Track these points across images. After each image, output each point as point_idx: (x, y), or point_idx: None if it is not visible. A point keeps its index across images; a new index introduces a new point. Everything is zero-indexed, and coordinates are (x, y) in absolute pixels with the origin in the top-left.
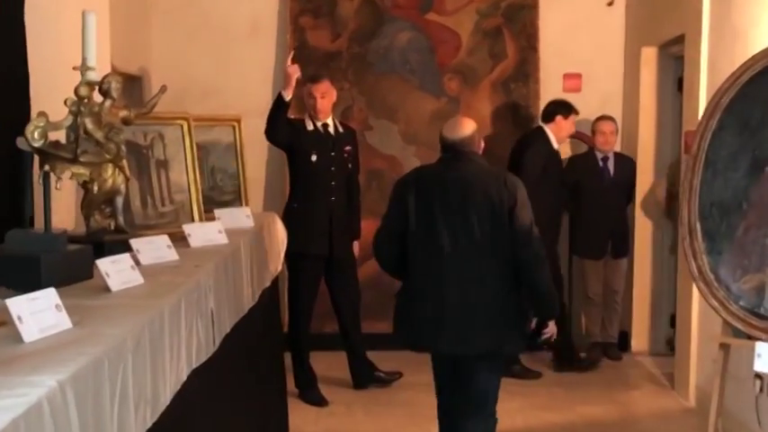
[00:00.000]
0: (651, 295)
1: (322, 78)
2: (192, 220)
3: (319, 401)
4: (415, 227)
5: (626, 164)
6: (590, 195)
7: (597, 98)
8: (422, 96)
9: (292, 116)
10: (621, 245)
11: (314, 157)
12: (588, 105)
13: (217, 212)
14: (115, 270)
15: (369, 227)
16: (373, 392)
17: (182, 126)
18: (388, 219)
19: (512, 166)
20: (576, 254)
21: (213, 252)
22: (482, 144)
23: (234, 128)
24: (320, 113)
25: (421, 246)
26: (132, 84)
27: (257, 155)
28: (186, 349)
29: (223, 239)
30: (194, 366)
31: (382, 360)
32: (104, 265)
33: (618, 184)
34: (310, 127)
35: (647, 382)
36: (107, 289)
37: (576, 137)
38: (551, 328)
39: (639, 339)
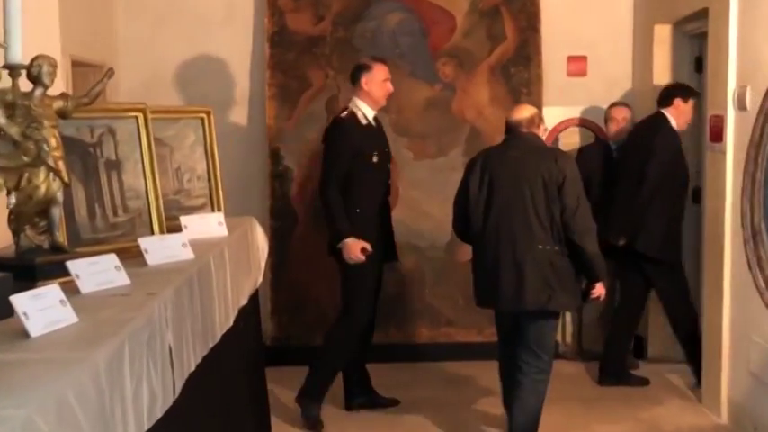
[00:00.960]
0: None
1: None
2: (152, 232)
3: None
4: (475, 200)
5: None
6: (603, 190)
7: (604, 83)
8: (414, 83)
9: (341, 114)
10: None
11: (375, 159)
12: (594, 91)
13: (183, 220)
14: (37, 308)
15: None
16: (368, 414)
17: (137, 119)
18: (456, 193)
19: (640, 153)
20: None
21: (175, 271)
22: (542, 126)
23: (203, 121)
24: (385, 100)
25: (481, 216)
26: (93, 74)
27: (235, 150)
28: (135, 411)
29: (188, 254)
30: (146, 429)
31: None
32: (22, 302)
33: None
34: (364, 122)
35: (671, 396)
36: (26, 334)
37: (583, 125)
38: (599, 289)
39: (656, 345)
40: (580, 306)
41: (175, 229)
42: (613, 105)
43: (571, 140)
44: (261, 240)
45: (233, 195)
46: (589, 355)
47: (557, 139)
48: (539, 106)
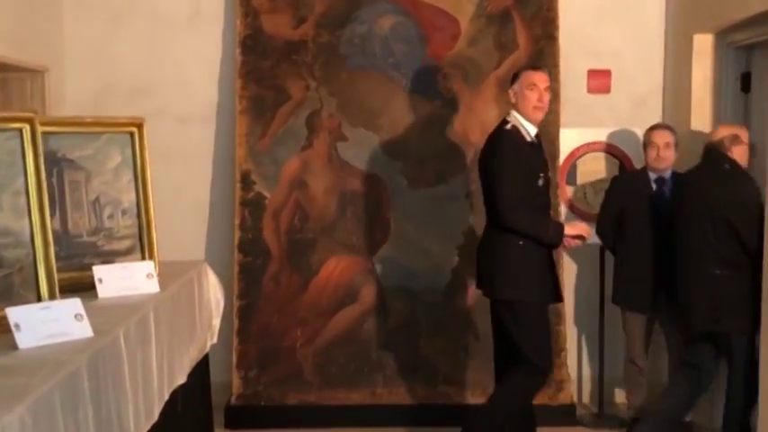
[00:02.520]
0: None
1: (542, 66)
2: (38, 295)
3: None
4: None
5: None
6: (638, 227)
7: (630, 101)
8: (410, 98)
9: (504, 126)
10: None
11: (540, 182)
12: (619, 110)
13: (98, 272)
14: None
15: (342, 266)
16: None
17: (21, 133)
18: None
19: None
20: (616, 302)
21: (54, 362)
22: (737, 149)
23: (132, 136)
24: (543, 112)
25: None
26: (33, 81)
27: (198, 173)
28: None
29: (83, 331)
30: None
31: None
32: None
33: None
34: (528, 138)
35: None
36: None
37: (606, 150)
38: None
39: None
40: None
41: (86, 284)
42: (654, 128)
43: (591, 168)
44: (214, 291)
45: (192, 226)
46: (611, 421)
47: (574, 166)
48: (555, 126)
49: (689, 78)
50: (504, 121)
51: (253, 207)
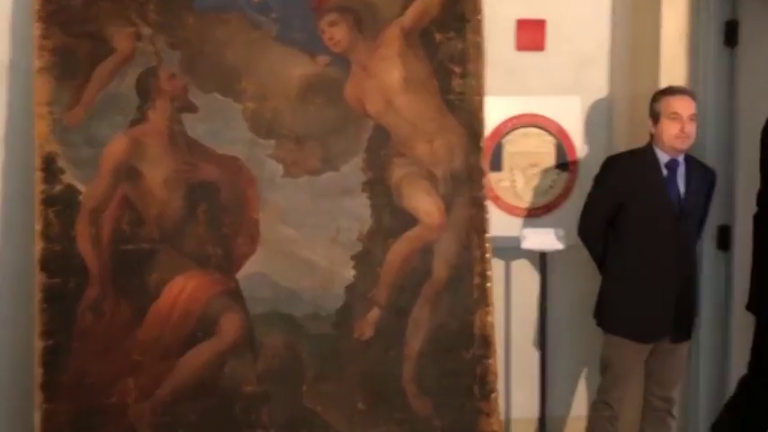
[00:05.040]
0: None
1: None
2: None
3: None
4: None
5: (701, 177)
6: (645, 228)
7: (571, 61)
8: (285, 54)
9: None
10: (686, 319)
11: None
12: (556, 73)
13: None
14: None
15: (192, 287)
16: None
17: None
18: None
19: None
20: (608, 328)
21: None
22: None
23: None
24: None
25: None
26: None
27: None
28: None
29: None
30: None
31: None
32: None
33: (692, 212)
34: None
35: None
36: None
37: (540, 125)
38: None
39: None
40: None
41: None
42: (674, 93)
43: (521, 147)
44: None
45: None
46: None
47: (499, 147)
48: (479, 93)
49: (656, 30)
50: None
51: (61, 206)
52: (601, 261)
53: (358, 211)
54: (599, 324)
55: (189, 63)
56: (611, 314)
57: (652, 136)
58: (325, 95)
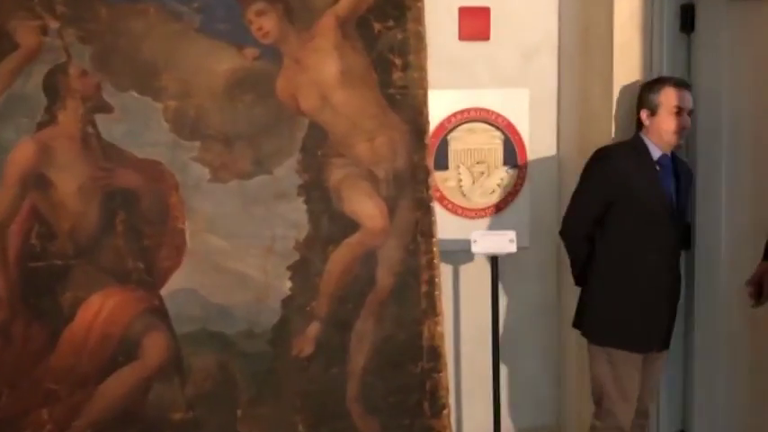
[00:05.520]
0: None
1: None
2: None
3: None
4: None
5: (687, 174)
6: (638, 230)
7: (518, 51)
8: (209, 46)
9: None
10: (672, 325)
11: None
12: (502, 64)
13: None
14: None
15: (111, 306)
16: None
17: None
18: None
19: None
20: (602, 341)
21: None
22: None
23: None
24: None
25: None
26: None
27: None
28: None
29: None
30: None
31: None
32: None
33: (683, 211)
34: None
35: None
36: None
37: (490, 121)
38: None
39: None
40: None
41: None
42: (673, 84)
43: (466, 144)
44: None
45: None
46: None
47: (444, 144)
48: (421, 87)
49: (608, 16)
50: None
51: None
52: (583, 265)
53: (294, 218)
54: (590, 338)
55: (102, 59)
56: (605, 325)
57: (642, 128)
58: (255, 91)
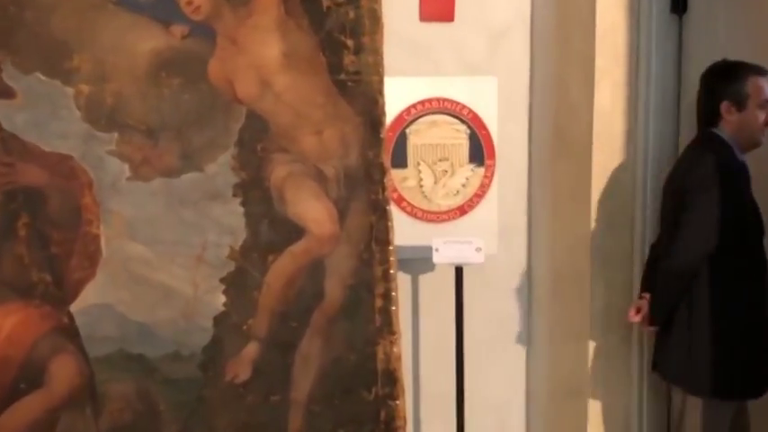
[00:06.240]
0: None
1: None
2: None
3: None
4: None
5: None
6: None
7: (486, 34)
8: (130, 22)
9: None
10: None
11: None
12: (467, 48)
13: None
14: None
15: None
16: None
17: None
18: None
19: None
20: (713, 392)
21: None
22: None
23: None
24: None
25: None
26: None
27: None
28: None
29: None
30: None
31: None
32: None
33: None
34: None
35: None
36: None
37: (455, 113)
38: None
39: None
40: None
41: None
42: (760, 74)
43: (428, 139)
44: None
45: None
46: None
47: (403, 138)
48: (377, 73)
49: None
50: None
51: None
52: (686, 302)
53: (229, 222)
54: (694, 390)
55: (2, 35)
56: (721, 373)
57: (723, 125)
58: (184, 75)
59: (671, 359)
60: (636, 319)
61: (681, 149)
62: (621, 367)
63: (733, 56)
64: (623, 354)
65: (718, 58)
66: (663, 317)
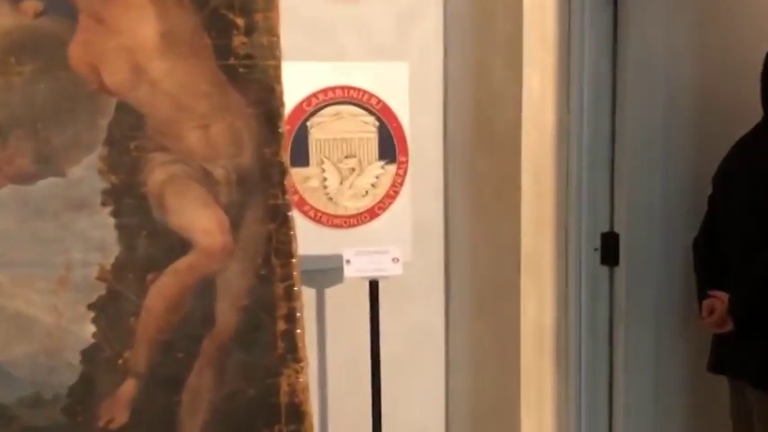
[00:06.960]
0: None
1: None
2: None
3: None
4: None
5: None
6: None
7: (396, 14)
8: None
9: None
10: None
11: None
12: (376, 31)
13: None
14: None
15: None
16: None
17: None
18: None
19: None
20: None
21: None
22: None
23: None
24: None
25: None
26: None
27: None
28: None
29: None
30: None
31: None
32: None
33: None
34: None
35: None
36: None
37: (362, 103)
38: None
39: None
40: None
41: None
42: None
43: (332, 133)
44: None
45: None
46: None
47: (304, 131)
48: (273, 57)
49: None
50: None
51: None
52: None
53: (97, 236)
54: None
55: None
56: None
57: None
58: (38, 60)
59: (757, 361)
60: (710, 320)
61: (617, 141)
62: (554, 388)
63: (674, 36)
64: (557, 372)
65: (658, 48)
66: (748, 317)
